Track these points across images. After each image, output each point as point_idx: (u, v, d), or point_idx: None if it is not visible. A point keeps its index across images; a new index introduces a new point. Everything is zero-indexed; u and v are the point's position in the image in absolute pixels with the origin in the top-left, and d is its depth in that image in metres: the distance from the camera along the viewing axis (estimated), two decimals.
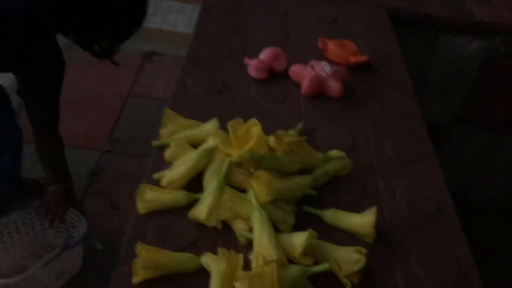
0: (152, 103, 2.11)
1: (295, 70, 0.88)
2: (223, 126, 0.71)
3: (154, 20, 2.64)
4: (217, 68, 0.90)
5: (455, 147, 1.37)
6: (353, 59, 0.92)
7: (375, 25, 1.08)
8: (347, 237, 0.62)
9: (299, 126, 0.78)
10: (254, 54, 0.91)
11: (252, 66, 0.88)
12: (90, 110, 2.05)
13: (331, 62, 0.92)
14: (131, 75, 2.21)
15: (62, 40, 2.46)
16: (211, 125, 0.72)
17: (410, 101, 0.89)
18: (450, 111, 1.31)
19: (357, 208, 0.65)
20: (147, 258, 0.53)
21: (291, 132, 0.74)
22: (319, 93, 0.86)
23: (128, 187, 1.67)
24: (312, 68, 0.87)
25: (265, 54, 0.89)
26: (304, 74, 0.86)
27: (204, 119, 0.74)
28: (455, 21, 1.16)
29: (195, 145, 0.69)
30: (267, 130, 0.71)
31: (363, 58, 0.93)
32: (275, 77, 0.89)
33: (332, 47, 0.94)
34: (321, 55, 0.96)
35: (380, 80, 0.93)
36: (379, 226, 0.62)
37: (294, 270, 0.54)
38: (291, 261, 0.56)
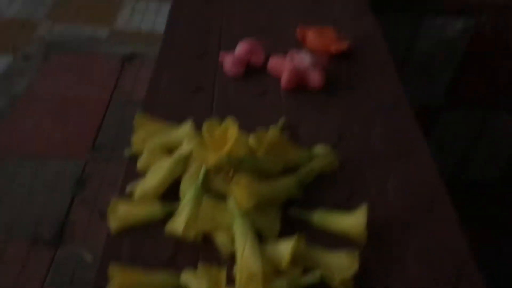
0: (134, 106, 2.05)
1: (274, 63, 0.83)
2: (200, 127, 0.66)
3: (132, 22, 2.58)
4: (192, 66, 0.85)
5: (444, 129, 1.34)
6: (333, 47, 0.88)
7: (355, 9, 1.04)
8: (338, 240, 0.58)
9: (281, 122, 0.73)
10: (230, 48, 0.87)
11: (228, 62, 0.83)
12: (72, 118, 2.01)
13: (311, 51, 0.87)
14: (111, 79, 2.15)
15: (37, 50, 2.37)
16: (186, 128, 0.67)
17: (394, 86, 0.85)
18: (437, 93, 1.28)
19: (346, 206, 0.61)
20: (122, 282, 0.49)
21: (272, 129, 0.70)
22: (300, 85, 0.81)
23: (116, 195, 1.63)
24: (291, 59, 0.82)
25: (241, 48, 0.85)
26: (283, 66, 0.81)
27: (180, 120, 0.70)
28: (438, 2, 1.11)
29: (171, 150, 0.64)
30: (248, 127, 0.66)
31: (343, 45, 0.88)
32: (254, 71, 0.85)
33: (311, 36, 0.89)
34: (301, 44, 0.91)
35: (363, 66, 0.89)
36: (371, 224, 0.58)
37: (282, 284, 0.49)
38: (279, 270, 0.52)
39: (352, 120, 0.77)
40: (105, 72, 2.20)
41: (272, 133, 0.66)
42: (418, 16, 1.15)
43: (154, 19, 2.62)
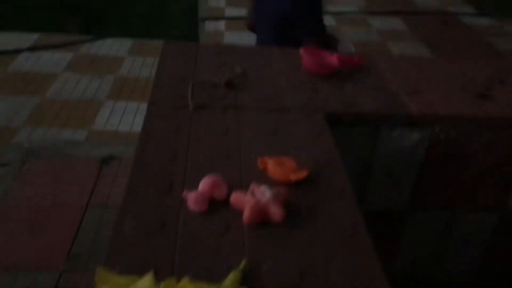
0: (111, 212, 2.06)
1: (236, 198, 0.87)
2: (163, 274, 0.68)
3: (110, 122, 2.65)
4: (156, 204, 0.88)
5: (412, 231, 1.37)
6: (293, 177, 0.92)
7: (314, 132, 1.10)
8: None
9: (243, 264, 0.75)
10: (195, 181, 0.90)
11: (191, 199, 0.86)
12: (48, 226, 1.99)
13: (272, 181, 0.91)
14: (89, 183, 2.16)
15: (15, 157, 2.39)
16: (146, 282, 0.68)
17: (353, 212, 0.89)
18: (401, 197, 1.32)
19: None
20: None
21: (232, 273, 0.71)
22: (262, 220, 0.84)
23: None
24: (252, 194, 0.85)
25: (204, 185, 0.88)
26: (245, 202, 0.85)
27: (144, 265, 0.72)
28: (393, 116, 1.19)
29: None
30: (210, 269, 0.68)
31: (302, 174, 0.93)
32: (217, 206, 0.87)
33: (271, 166, 0.94)
34: (263, 174, 0.95)
35: (322, 192, 0.93)
36: None
37: None
38: None
39: (312, 254, 0.79)
40: (83, 177, 2.21)
41: (232, 279, 0.68)
42: (374, 128, 1.22)
43: (133, 118, 2.70)
